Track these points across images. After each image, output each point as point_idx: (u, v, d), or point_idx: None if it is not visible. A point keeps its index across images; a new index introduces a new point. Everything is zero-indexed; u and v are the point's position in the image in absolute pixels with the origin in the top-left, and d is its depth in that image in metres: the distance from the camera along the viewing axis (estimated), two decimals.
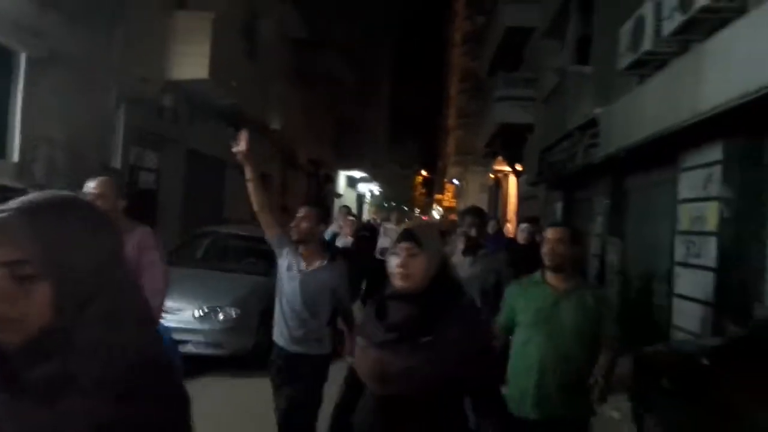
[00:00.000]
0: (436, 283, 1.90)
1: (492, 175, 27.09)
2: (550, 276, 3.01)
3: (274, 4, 13.94)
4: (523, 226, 7.18)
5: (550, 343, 2.87)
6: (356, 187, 33.17)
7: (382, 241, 9.13)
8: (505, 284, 3.85)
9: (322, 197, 22.06)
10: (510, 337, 3.13)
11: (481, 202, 32.95)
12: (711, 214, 6.58)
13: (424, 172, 71.24)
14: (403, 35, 54.14)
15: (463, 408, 1.94)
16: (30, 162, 6.10)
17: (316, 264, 3.50)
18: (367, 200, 37.77)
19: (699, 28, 6.03)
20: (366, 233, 9.39)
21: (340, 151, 25.67)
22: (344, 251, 6.88)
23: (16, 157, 6.18)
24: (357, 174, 30.31)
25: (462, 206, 36.98)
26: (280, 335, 3.55)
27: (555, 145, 12.31)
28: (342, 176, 28.67)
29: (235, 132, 3.34)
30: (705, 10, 5.66)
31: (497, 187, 26.69)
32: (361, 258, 7.80)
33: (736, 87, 5.34)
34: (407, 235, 1.93)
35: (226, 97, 10.49)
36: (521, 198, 19.90)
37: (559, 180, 12.98)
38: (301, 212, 3.51)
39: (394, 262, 1.90)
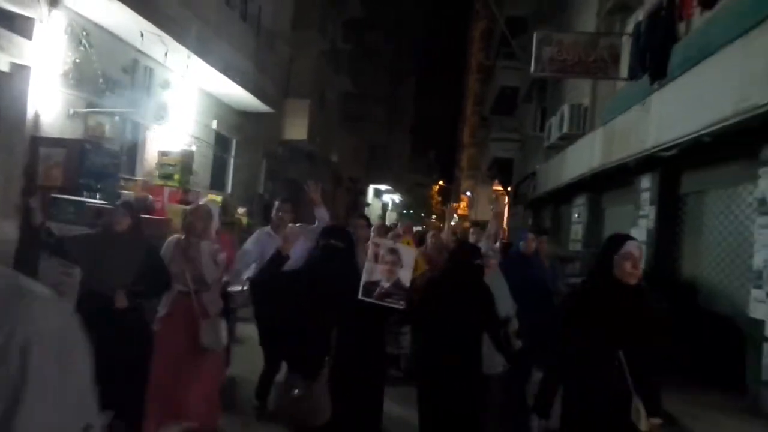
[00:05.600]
0: None
1: (493, 193, 33.07)
2: None
3: (334, 75, 20.32)
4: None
5: None
6: (381, 197, 39.22)
7: None
8: None
9: (357, 206, 28.27)
10: None
11: (488, 212, 38.89)
12: (579, 232, 12.70)
13: (441, 182, 76.28)
14: (426, 54, 59.76)
15: None
16: (233, 193, 12.42)
17: None
18: (389, 208, 43.94)
19: (568, 139, 12.16)
20: None
21: (370, 168, 31.76)
22: None
23: (229, 190, 12.56)
24: (382, 187, 36.30)
25: (473, 216, 42.84)
26: None
27: (522, 181, 18.43)
28: (371, 189, 34.75)
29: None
30: (566, 132, 11.80)
31: (497, 202, 32.62)
32: None
33: (578, 170, 11.45)
34: None
35: (311, 146, 16.80)
36: (510, 213, 25.92)
37: (527, 204, 19.10)
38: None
39: None
